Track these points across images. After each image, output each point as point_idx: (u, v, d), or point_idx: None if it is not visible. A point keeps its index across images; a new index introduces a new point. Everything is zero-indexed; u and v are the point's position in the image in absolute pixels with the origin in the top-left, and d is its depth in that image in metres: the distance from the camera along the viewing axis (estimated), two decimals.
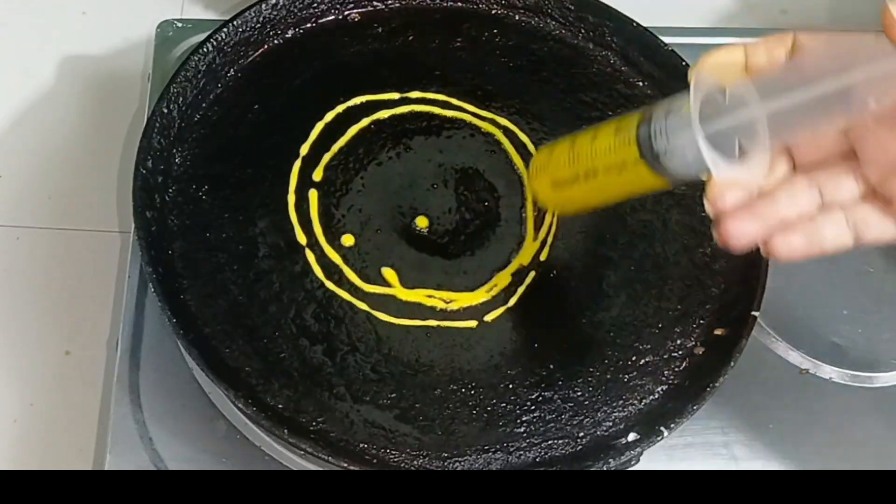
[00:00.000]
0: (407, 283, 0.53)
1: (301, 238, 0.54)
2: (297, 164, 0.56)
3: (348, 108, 0.58)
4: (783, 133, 0.34)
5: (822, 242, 0.36)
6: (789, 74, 0.33)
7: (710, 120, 0.34)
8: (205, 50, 0.57)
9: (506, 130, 0.59)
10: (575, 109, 0.60)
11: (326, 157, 0.57)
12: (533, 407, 0.51)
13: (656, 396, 0.51)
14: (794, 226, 0.35)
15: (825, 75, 0.31)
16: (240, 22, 0.58)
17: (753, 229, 0.35)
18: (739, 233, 0.35)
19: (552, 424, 0.50)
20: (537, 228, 0.56)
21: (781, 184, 0.36)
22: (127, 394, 0.53)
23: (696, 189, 0.58)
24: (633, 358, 0.52)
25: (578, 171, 0.39)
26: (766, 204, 0.36)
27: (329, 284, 0.53)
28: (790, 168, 0.37)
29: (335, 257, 0.54)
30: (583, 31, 0.62)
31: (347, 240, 0.54)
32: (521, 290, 0.54)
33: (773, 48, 0.36)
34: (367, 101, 0.59)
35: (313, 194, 0.55)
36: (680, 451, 0.54)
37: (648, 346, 0.53)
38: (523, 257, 0.55)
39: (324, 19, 0.62)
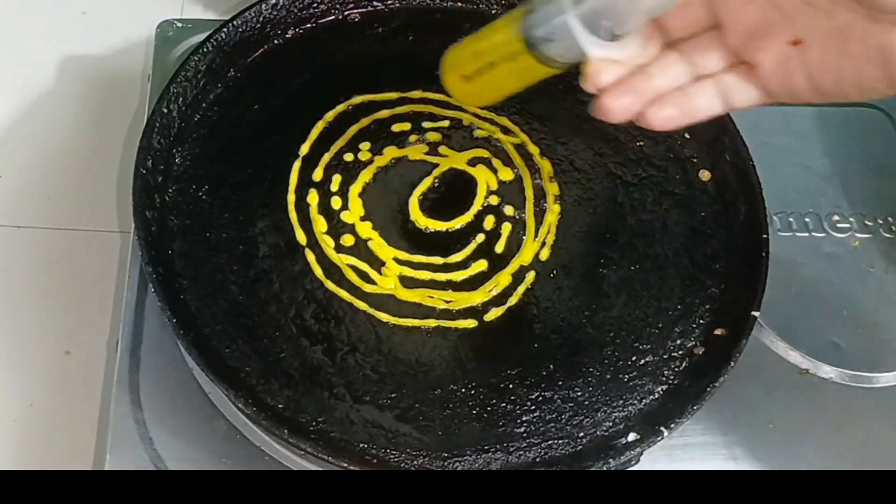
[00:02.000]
0: (407, 283, 0.53)
1: (301, 238, 0.54)
2: (297, 164, 0.56)
3: (348, 108, 0.58)
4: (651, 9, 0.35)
5: (694, 111, 0.38)
6: None
7: (582, 2, 0.36)
8: (205, 50, 0.57)
9: (505, 130, 0.59)
10: (575, 109, 0.59)
11: (326, 157, 0.57)
12: (533, 407, 0.51)
13: (656, 396, 0.51)
14: (668, 97, 0.38)
15: None
16: (240, 22, 0.58)
17: (629, 103, 0.37)
18: (617, 106, 0.37)
19: (552, 424, 0.50)
20: (537, 228, 0.56)
21: (654, 59, 0.38)
22: (127, 394, 0.53)
23: (696, 189, 0.58)
24: (633, 358, 0.52)
25: (481, 65, 0.41)
26: (641, 79, 0.38)
27: (329, 284, 0.53)
28: (662, 45, 0.39)
29: (335, 257, 0.54)
30: None
31: (347, 240, 0.54)
32: (521, 289, 0.54)
33: None
34: (367, 101, 0.59)
35: (313, 194, 0.55)
36: (680, 451, 0.54)
37: (648, 346, 0.53)
38: (523, 257, 0.55)
39: (324, 19, 0.62)
